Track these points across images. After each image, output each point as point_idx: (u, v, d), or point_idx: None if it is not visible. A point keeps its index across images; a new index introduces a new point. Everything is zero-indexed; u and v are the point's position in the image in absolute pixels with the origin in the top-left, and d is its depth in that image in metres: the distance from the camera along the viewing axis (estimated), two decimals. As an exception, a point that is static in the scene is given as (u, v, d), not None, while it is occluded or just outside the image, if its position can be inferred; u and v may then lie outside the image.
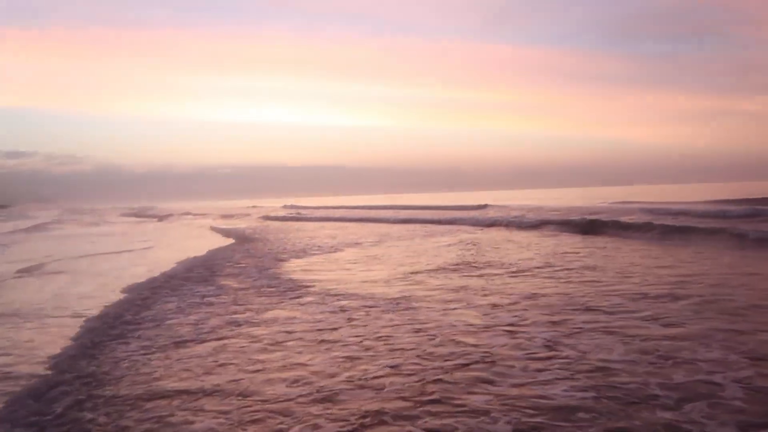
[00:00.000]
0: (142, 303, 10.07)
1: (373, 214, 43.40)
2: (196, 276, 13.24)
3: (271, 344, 7.15)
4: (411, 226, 30.32)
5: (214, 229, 33.70)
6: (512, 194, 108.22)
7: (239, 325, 8.20)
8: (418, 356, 6.41)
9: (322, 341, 7.21)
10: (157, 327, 8.34)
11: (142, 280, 12.71)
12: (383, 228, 29.82)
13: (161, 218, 53.60)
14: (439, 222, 32.15)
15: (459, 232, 25.17)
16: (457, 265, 13.67)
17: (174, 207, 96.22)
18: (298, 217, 45.43)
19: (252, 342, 7.29)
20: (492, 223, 28.13)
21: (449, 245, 18.54)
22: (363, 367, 6.12)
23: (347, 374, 5.91)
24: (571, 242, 18.65)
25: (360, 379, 5.74)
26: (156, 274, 13.68)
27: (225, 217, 51.11)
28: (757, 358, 5.92)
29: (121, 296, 10.78)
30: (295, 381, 5.78)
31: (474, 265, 13.54)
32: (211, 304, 9.89)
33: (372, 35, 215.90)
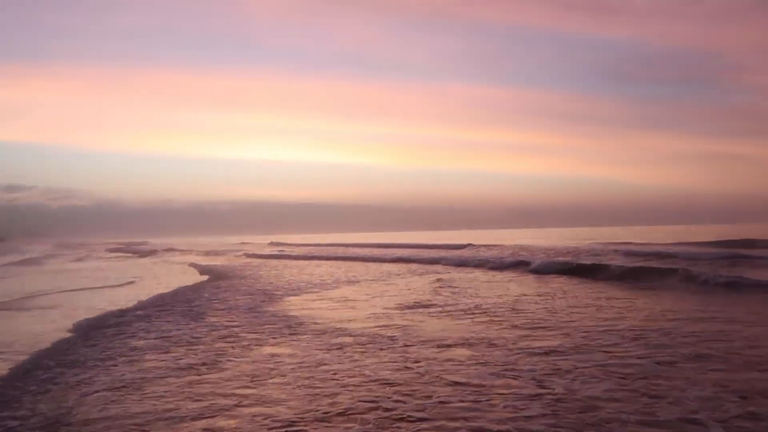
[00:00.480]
0: (96, 340, 9.76)
1: (361, 252, 43.18)
2: (168, 311, 12.93)
3: (251, 380, 6.89)
4: (399, 265, 30.12)
5: (193, 265, 33.25)
6: (506, 233, 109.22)
7: (219, 361, 7.93)
8: (403, 393, 6.20)
9: (305, 377, 6.97)
10: (130, 363, 8.06)
11: (96, 315, 12.39)
12: (368, 267, 29.60)
13: (143, 254, 52.83)
14: (424, 261, 31.98)
15: (443, 271, 25.08)
16: (446, 304, 13.50)
17: (165, 242, 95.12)
18: (279, 255, 44.89)
19: (229, 379, 7.03)
20: (473, 263, 27.95)
21: (440, 286, 18.37)
22: (341, 403, 5.90)
23: (323, 410, 5.68)
24: (553, 283, 18.59)
25: (335, 415, 5.51)
26: (113, 309, 13.35)
27: (211, 253, 50.46)
28: (747, 398, 5.78)
29: (71, 335, 10.39)
30: (264, 417, 5.54)
31: (463, 304, 13.39)
32: (193, 340, 9.60)
33: (369, 77, 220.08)
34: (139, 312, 12.90)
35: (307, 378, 6.90)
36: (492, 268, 25.22)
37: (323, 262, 34.95)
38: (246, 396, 6.23)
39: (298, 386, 6.56)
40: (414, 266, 28.67)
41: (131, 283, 21.87)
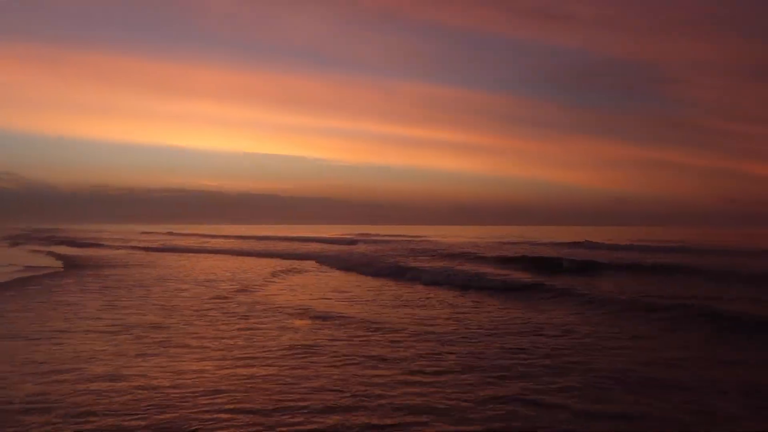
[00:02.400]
0: None
1: (247, 246, 45.18)
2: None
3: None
4: (264, 260, 32.32)
5: (53, 254, 34.60)
6: (442, 230, 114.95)
7: None
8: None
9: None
10: None
11: None
12: (229, 260, 31.63)
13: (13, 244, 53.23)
14: (298, 257, 34.29)
15: (294, 268, 27.16)
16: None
17: (81, 229, 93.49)
18: (153, 247, 45.74)
19: None
20: (332, 263, 30.19)
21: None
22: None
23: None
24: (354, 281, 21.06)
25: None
26: None
27: (89, 244, 51.35)
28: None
29: None
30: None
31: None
32: None
33: (318, 70, 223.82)
34: None
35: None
36: (341, 268, 27.06)
37: (195, 255, 36.85)
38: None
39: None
40: (277, 261, 30.90)
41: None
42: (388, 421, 5.95)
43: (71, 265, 27.45)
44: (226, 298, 15.43)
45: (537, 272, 21.70)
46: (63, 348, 9.16)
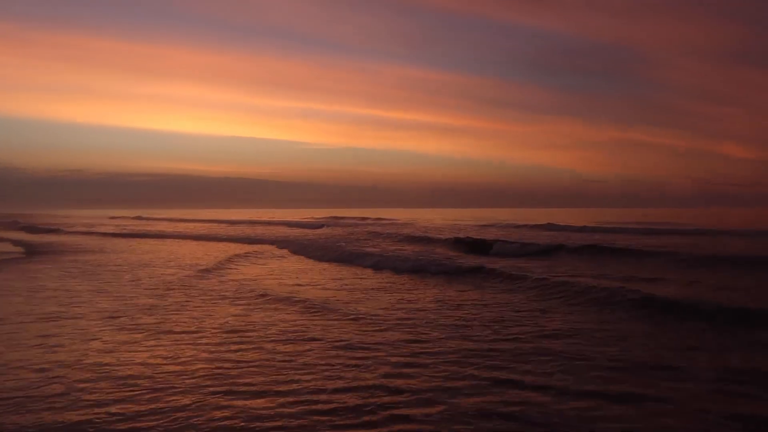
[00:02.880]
0: None
1: (216, 230, 45.36)
2: None
3: None
4: (223, 245, 32.78)
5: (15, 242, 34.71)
6: (421, 213, 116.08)
7: None
8: None
9: None
10: None
11: None
12: (187, 245, 31.97)
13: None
14: (256, 241, 34.78)
15: (245, 253, 27.65)
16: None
17: (40, 214, 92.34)
18: (109, 233, 45.66)
19: None
20: (288, 246, 30.77)
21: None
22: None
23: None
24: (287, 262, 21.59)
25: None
26: None
27: (51, 230, 51.16)
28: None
29: None
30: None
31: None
32: None
33: (296, 51, 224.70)
34: None
35: None
36: (297, 252, 27.79)
37: (159, 241, 37.16)
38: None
39: None
40: (238, 246, 31.37)
41: None
42: (379, 401, 6.28)
43: (28, 252, 27.71)
44: (172, 284, 15.91)
45: (482, 255, 22.64)
46: (48, 338, 9.54)
